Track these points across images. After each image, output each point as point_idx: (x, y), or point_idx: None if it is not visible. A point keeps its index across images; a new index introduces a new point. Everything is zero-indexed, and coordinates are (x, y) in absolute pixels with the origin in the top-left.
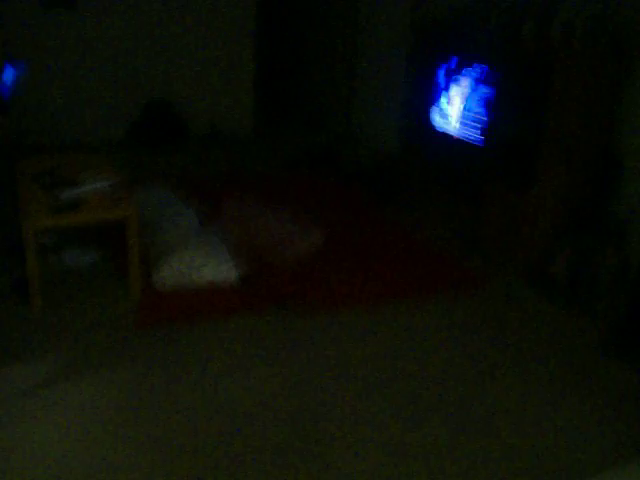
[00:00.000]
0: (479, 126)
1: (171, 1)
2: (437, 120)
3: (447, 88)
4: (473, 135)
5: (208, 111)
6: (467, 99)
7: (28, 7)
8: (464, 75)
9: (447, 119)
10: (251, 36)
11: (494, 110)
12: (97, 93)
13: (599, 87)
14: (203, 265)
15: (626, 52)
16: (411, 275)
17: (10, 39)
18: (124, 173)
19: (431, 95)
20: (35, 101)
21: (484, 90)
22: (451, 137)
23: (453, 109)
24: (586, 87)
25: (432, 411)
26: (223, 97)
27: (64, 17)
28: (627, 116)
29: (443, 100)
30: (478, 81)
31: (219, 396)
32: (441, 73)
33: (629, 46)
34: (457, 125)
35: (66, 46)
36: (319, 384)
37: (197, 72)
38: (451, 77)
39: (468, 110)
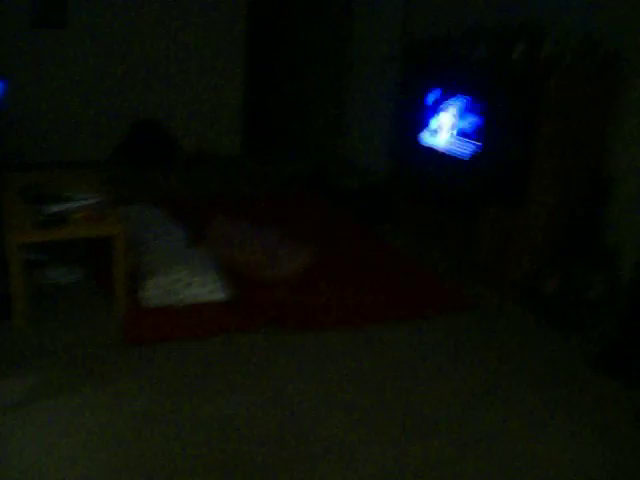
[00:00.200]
0: (470, 145)
1: (160, 21)
2: (428, 140)
3: (438, 109)
4: (464, 154)
5: (196, 131)
6: (458, 119)
7: (17, 25)
8: (455, 97)
9: (438, 139)
10: (241, 57)
11: (485, 130)
12: (84, 111)
13: (589, 107)
14: (190, 283)
15: (616, 73)
16: (402, 296)
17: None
18: (111, 191)
19: (422, 115)
20: (21, 118)
21: (475, 110)
22: (442, 156)
23: (444, 129)
24: (576, 107)
25: (424, 433)
26: (211, 117)
27: (53, 35)
28: (617, 136)
29: (434, 120)
30: (469, 102)
31: (205, 415)
32: (432, 95)
33: (619, 67)
34: (448, 144)
35: (54, 64)
36: (309, 404)
37: (185, 92)
38: (442, 99)
39: (459, 129)
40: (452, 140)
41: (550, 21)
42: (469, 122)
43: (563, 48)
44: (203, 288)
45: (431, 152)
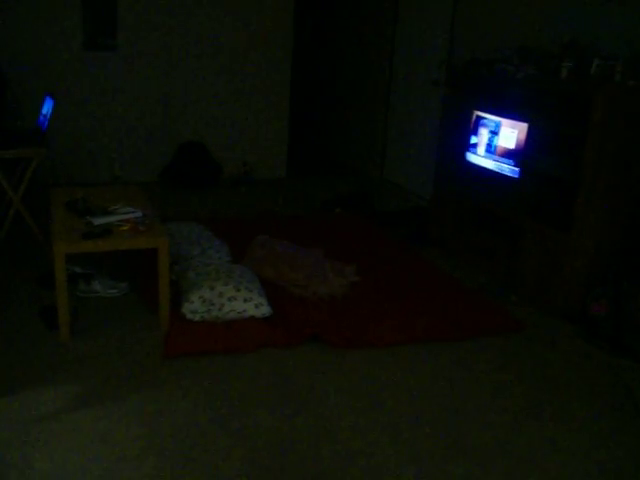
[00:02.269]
0: (517, 165)
1: (207, 44)
2: (473, 159)
3: (483, 129)
4: (510, 173)
5: (242, 153)
6: (504, 138)
7: (70, 47)
8: (501, 116)
9: (483, 159)
10: (287, 80)
11: (532, 149)
12: (131, 133)
13: (638, 125)
14: (233, 298)
15: None
16: (447, 316)
17: (52, 75)
18: (156, 207)
19: (466, 135)
20: (70, 138)
21: (522, 129)
22: (488, 176)
23: (490, 148)
24: (625, 125)
25: (467, 453)
26: (257, 140)
27: (102, 58)
28: None
29: (479, 140)
30: (516, 121)
31: (245, 428)
32: (476, 115)
33: None
34: (494, 164)
35: (102, 85)
36: (349, 420)
37: (232, 114)
38: (487, 119)
39: (506, 149)
40: (498, 159)
41: (596, 39)
42: (516, 141)
43: (611, 65)
44: (247, 303)
45: (476, 172)
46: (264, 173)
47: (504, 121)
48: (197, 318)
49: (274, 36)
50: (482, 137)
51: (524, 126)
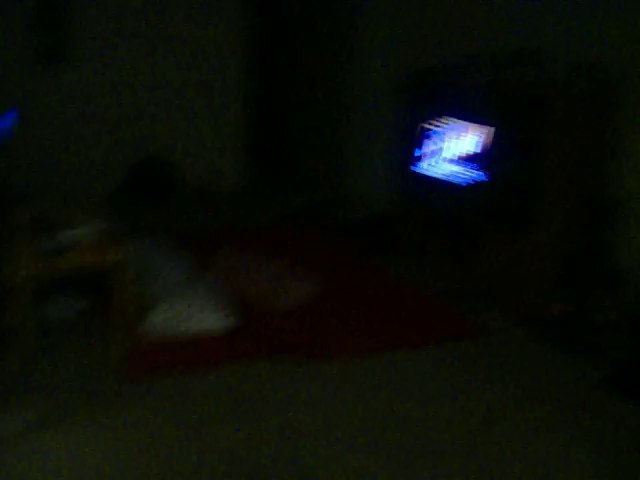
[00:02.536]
0: (473, 171)
1: (159, 57)
2: (430, 168)
3: (439, 136)
4: (467, 180)
5: (198, 166)
6: (460, 145)
7: (21, 60)
8: (457, 123)
9: (440, 166)
10: (242, 90)
11: (488, 154)
12: (84, 147)
13: (592, 129)
14: (193, 315)
15: (617, 94)
16: (408, 324)
17: (4, 88)
18: (113, 222)
19: (423, 143)
20: (22, 152)
21: (477, 135)
22: (445, 183)
23: (446, 155)
24: (579, 129)
25: (433, 459)
26: (214, 152)
27: (55, 70)
28: (621, 158)
29: (435, 148)
30: (471, 127)
31: (208, 446)
32: (433, 123)
33: (619, 88)
34: (451, 171)
35: (56, 98)
36: (310, 434)
37: (187, 127)
38: (444, 126)
39: (462, 155)
40: (456, 165)
41: (549, 45)
42: (473, 147)
43: (564, 71)
44: (208, 317)
45: (434, 179)
46: (224, 185)
47: (461, 127)
48: (159, 336)
49: (228, 45)
50: (437, 145)
51: (483, 132)
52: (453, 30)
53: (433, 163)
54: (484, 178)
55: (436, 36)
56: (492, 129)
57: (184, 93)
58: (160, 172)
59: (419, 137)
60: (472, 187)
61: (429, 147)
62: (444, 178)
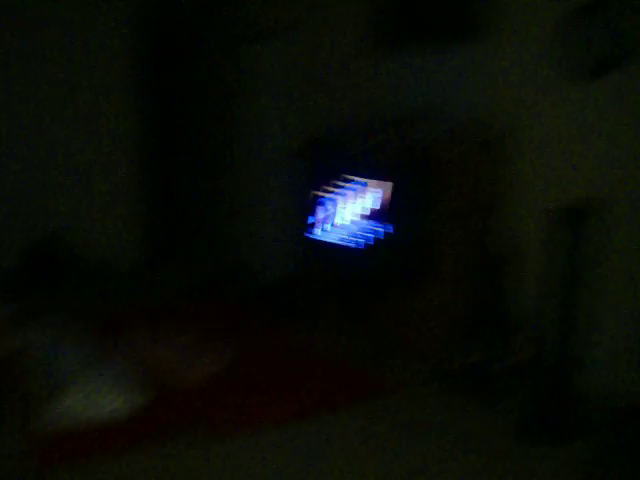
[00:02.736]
0: (374, 228)
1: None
2: (325, 232)
3: (333, 201)
4: (363, 241)
5: (96, 243)
6: (354, 208)
7: None
8: (350, 187)
9: (334, 230)
10: (136, 166)
11: (389, 210)
12: None
13: (484, 185)
14: (99, 399)
15: (502, 150)
16: (317, 388)
17: None
18: (5, 310)
19: (319, 209)
20: None
21: (371, 197)
22: (340, 246)
23: (340, 219)
24: (472, 185)
25: None
26: (109, 228)
27: None
28: (508, 212)
29: (330, 213)
30: (365, 190)
31: None
32: (327, 188)
33: (504, 144)
34: (345, 234)
35: None
36: None
37: (82, 204)
38: (337, 191)
39: (357, 218)
40: (353, 227)
41: (438, 105)
42: (370, 204)
43: (452, 129)
44: (114, 401)
45: (329, 245)
46: (123, 261)
47: (359, 186)
48: (67, 422)
49: (118, 114)
50: (330, 210)
51: (381, 188)
52: (344, 95)
53: (327, 229)
54: (384, 234)
55: (328, 102)
56: (389, 184)
57: (78, 170)
58: (57, 251)
59: (312, 204)
60: (369, 247)
61: (322, 214)
62: (338, 242)
